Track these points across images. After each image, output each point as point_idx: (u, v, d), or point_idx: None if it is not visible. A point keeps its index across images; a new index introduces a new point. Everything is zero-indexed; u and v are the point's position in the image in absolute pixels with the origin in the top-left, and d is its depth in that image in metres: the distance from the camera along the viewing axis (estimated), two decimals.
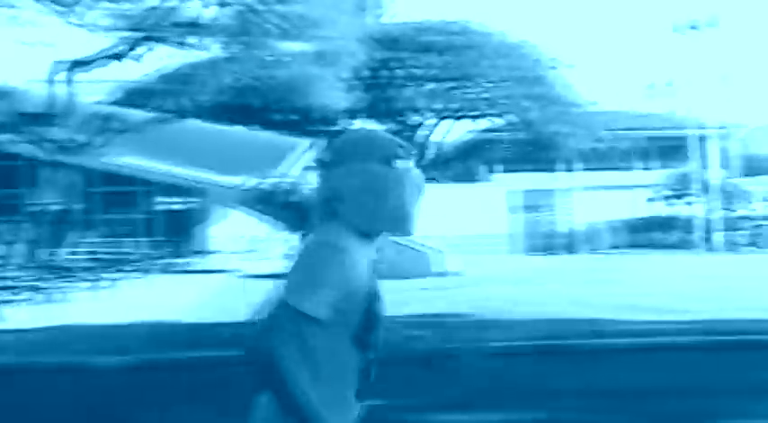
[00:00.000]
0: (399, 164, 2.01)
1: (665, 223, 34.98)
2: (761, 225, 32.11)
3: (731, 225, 31.70)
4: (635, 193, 40.35)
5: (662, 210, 36.31)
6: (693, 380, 7.39)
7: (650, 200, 36.99)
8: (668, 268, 20.89)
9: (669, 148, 40.09)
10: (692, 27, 31.76)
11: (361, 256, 1.96)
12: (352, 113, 27.58)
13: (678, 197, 34.00)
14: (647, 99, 49.07)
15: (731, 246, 29.88)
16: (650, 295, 13.25)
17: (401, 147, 2.04)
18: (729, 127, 41.94)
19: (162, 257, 21.11)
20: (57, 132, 16.41)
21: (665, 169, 36.19)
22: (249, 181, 20.50)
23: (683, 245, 30.93)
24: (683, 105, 37.78)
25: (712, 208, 31.18)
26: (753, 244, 30.18)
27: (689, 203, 32.97)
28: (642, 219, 37.48)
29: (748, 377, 7.37)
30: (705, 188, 31.64)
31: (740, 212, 34.23)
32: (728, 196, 33.26)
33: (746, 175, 43.44)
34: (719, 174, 37.16)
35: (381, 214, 1.98)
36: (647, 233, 34.18)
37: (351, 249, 1.92)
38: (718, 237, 30.23)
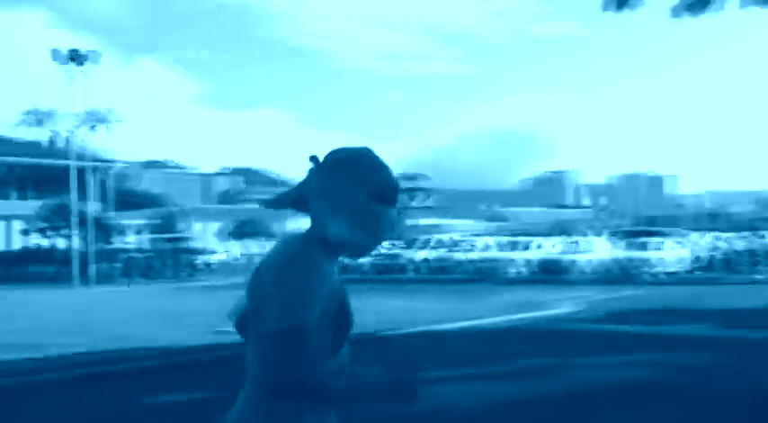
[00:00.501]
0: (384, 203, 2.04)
1: (41, 255, 33.91)
2: (133, 257, 33.65)
3: (106, 257, 32.42)
4: (9, 224, 38.10)
5: (38, 241, 35.14)
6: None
7: (25, 232, 35.45)
8: (41, 302, 20.22)
9: (46, 178, 39.20)
10: (74, 59, 31.73)
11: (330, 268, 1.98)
12: None
13: (54, 229, 33.36)
14: (25, 126, 47.14)
15: (106, 277, 30.47)
16: (18, 332, 12.52)
17: (393, 189, 2.05)
18: (106, 161, 43.16)
19: None
20: None
21: (41, 200, 35.17)
22: None
23: (59, 277, 30.36)
24: (63, 136, 37.43)
25: (88, 240, 31.38)
26: (126, 275, 31.33)
27: (65, 236, 32.59)
28: (17, 251, 35.64)
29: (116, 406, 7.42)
30: (82, 220, 31.72)
31: (115, 245, 35.36)
32: (104, 229, 34.04)
33: (121, 210, 45.14)
34: (96, 206, 37.82)
35: (349, 238, 2.02)
36: (21, 266, 32.57)
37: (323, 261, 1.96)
38: (94, 269, 30.52)
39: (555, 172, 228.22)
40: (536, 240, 30.87)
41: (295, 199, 2.10)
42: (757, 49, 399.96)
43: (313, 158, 2.09)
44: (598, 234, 36.60)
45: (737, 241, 29.75)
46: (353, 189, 2.02)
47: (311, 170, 2.09)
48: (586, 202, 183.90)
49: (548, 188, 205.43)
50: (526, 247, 29.28)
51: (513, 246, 29.79)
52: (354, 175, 2.04)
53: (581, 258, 27.10)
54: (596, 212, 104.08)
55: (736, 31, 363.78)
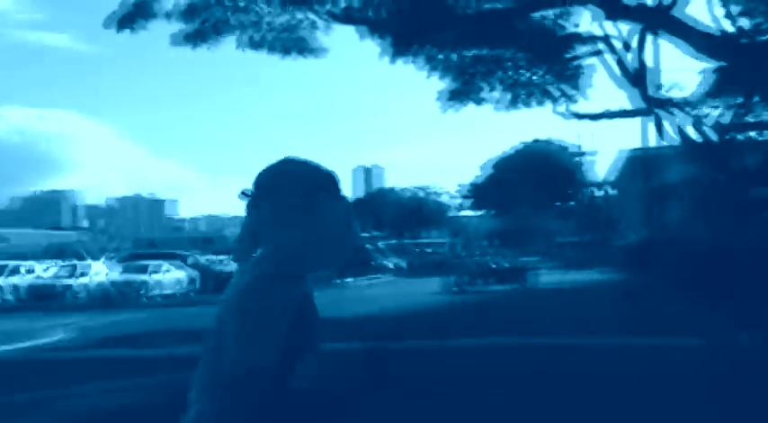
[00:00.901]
0: (325, 196, 1.86)
1: None
2: None
3: None
4: None
5: None
6: None
7: None
8: None
9: None
10: None
11: (292, 293, 1.80)
12: None
13: None
14: None
15: None
16: None
17: (329, 177, 1.87)
18: None
19: None
20: None
21: None
22: None
23: None
24: None
25: None
26: None
27: None
28: None
29: None
30: None
31: None
32: None
33: None
34: None
35: (309, 250, 1.85)
36: None
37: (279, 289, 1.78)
38: None
39: (51, 191, 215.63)
40: (26, 264, 28.65)
41: (253, 239, 1.89)
42: (259, 83, 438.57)
43: (245, 193, 1.91)
44: (96, 257, 35.62)
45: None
46: (289, 199, 1.87)
47: (250, 204, 1.91)
48: (85, 223, 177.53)
49: (42, 208, 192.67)
50: (14, 272, 26.91)
51: None
52: (282, 186, 1.87)
53: (77, 282, 25.97)
54: (95, 234, 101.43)
55: (239, 67, 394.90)
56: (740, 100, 20.07)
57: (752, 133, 21.13)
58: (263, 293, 1.92)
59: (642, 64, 21.42)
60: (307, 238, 1.99)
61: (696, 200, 24.76)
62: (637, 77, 21.13)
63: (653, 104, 21.56)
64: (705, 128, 20.94)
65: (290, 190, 2.01)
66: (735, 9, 17.44)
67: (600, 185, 57.15)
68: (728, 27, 17.19)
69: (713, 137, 20.72)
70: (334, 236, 2.02)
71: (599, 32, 21.24)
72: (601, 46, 21.52)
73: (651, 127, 22.62)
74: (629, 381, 7.80)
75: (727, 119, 20.86)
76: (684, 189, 25.35)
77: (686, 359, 9.19)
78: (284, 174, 2.08)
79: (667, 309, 15.37)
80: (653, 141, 23.57)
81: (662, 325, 12.70)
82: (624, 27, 20.67)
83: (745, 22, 17.62)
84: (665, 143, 22.12)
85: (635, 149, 36.32)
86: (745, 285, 12.93)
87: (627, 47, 21.28)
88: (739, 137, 21.18)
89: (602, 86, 24.43)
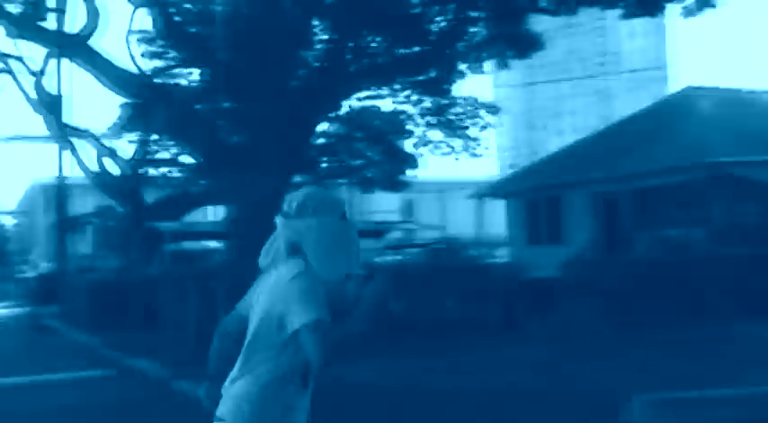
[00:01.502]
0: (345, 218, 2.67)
1: None
2: None
3: None
4: None
5: None
6: None
7: None
8: None
9: None
10: None
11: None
12: None
13: None
14: None
15: None
16: None
17: (343, 202, 2.71)
18: None
19: None
20: None
21: None
22: None
23: None
24: None
25: None
26: None
27: None
28: None
29: None
30: None
31: None
32: None
33: None
34: None
35: (340, 260, 2.63)
36: None
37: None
38: None
39: None
40: None
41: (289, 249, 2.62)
42: None
43: (283, 212, 2.66)
44: None
45: None
46: (329, 219, 2.64)
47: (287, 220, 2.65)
48: None
49: None
50: None
51: None
52: (321, 209, 2.63)
53: None
54: None
55: None
56: (151, 136, 21.13)
57: (161, 169, 22.40)
58: (310, 274, 2.54)
59: (58, 90, 20.90)
60: (334, 252, 2.61)
61: (107, 231, 25.01)
62: (52, 103, 20.52)
63: (68, 132, 21.18)
64: (119, 160, 21.44)
65: (324, 211, 2.63)
66: (149, 50, 18.36)
67: (12, 214, 53.44)
68: (144, 65, 17.98)
69: (126, 169, 21.33)
70: (351, 251, 2.67)
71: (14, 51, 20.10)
72: (14, 64, 20.36)
73: (68, 155, 22.13)
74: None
75: (140, 153, 21.72)
76: (96, 219, 25.43)
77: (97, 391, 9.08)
78: (318, 198, 2.69)
79: (74, 341, 15.08)
80: (69, 171, 23.08)
81: (72, 358, 12.35)
82: (41, 51, 19.95)
83: (158, 63, 18.68)
84: (80, 173, 21.88)
85: (49, 178, 35.07)
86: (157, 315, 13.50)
87: (42, 71, 20.55)
88: (151, 170, 22.25)
89: (19, 108, 23.12)
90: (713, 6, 14.83)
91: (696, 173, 17.98)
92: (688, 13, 15.00)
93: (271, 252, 2.70)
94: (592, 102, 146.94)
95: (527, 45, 16.93)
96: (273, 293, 2.57)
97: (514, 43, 16.87)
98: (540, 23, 17.68)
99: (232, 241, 15.08)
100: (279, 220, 2.69)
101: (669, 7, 15.58)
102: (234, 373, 2.61)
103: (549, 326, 12.10)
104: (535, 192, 23.60)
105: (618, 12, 15.77)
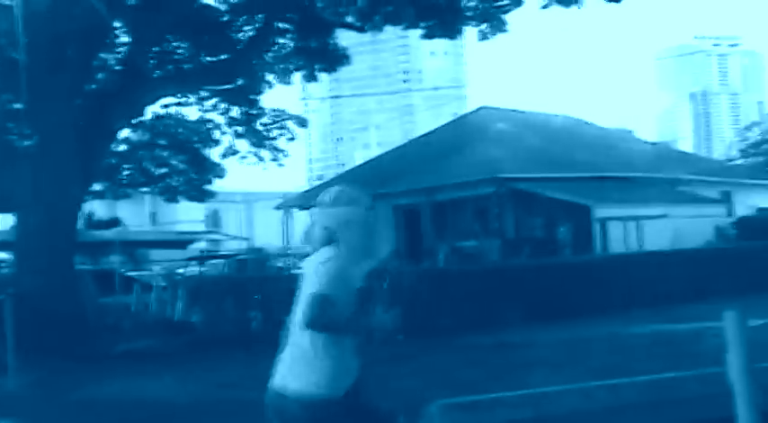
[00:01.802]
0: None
1: None
2: None
3: None
4: None
5: None
6: None
7: None
8: None
9: None
10: None
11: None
12: None
13: None
14: None
15: None
16: None
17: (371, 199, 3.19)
18: None
19: None
20: None
21: None
22: None
23: None
24: None
25: None
26: None
27: None
28: None
29: None
30: None
31: None
32: None
33: None
34: None
35: (367, 244, 3.13)
36: None
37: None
38: None
39: None
40: None
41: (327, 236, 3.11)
42: None
43: (319, 202, 3.13)
44: None
45: None
46: (358, 209, 3.15)
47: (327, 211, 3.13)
48: None
49: None
50: None
51: None
52: (353, 201, 3.16)
53: None
54: None
55: None
56: None
57: None
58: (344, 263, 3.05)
59: None
60: (362, 237, 3.06)
61: None
62: None
63: None
64: None
65: (354, 203, 3.11)
66: None
67: None
68: None
69: None
70: (377, 237, 3.12)
71: None
72: None
73: None
74: None
75: None
76: None
77: None
78: (349, 191, 3.16)
79: None
80: None
81: None
82: None
83: None
84: None
85: None
86: None
87: None
88: None
89: None
90: (505, 31, 15.92)
91: (488, 188, 19.17)
92: (483, 36, 15.99)
93: (310, 237, 3.21)
94: (395, 117, 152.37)
95: (334, 59, 17.23)
96: (313, 275, 3.04)
97: (322, 56, 17.11)
98: (347, 39, 18.08)
99: (22, 251, 13.96)
100: (315, 209, 3.19)
101: (467, 30, 16.52)
102: (285, 345, 3.18)
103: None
104: None
105: (420, 31, 16.47)
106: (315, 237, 3.15)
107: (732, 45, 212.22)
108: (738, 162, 46.43)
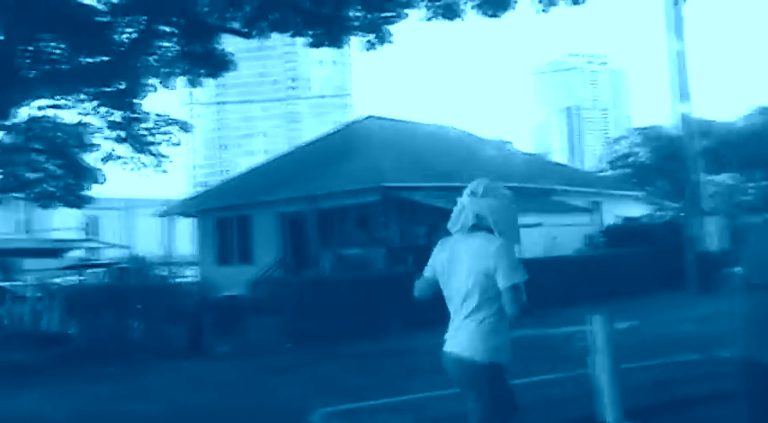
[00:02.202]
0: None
1: None
2: None
3: None
4: None
5: None
6: None
7: None
8: None
9: None
10: None
11: None
12: None
13: None
14: None
15: None
16: None
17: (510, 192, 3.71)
18: None
19: None
20: None
21: None
22: None
23: None
24: None
25: None
26: None
27: None
28: None
29: None
30: None
31: None
32: None
33: None
34: None
35: (514, 228, 3.62)
36: None
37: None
38: None
39: None
40: None
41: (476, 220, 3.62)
42: None
43: (471, 192, 3.69)
44: None
45: None
46: (504, 199, 3.69)
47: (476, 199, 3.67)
48: None
49: None
50: None
51: None
52: (499, 191, 3.71)
53: None
54: None
55: None
56: None
57: None
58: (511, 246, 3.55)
59: None
60: (509, 224, 3.58)
61: None
62: None
63: None
64: None
65: (500, 195, 3.64)
66: None
67: None
68: None
69: None
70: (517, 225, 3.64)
71: None
72: None
73: None
74: None
75: None
76: None
77: None
78: (494, 185, 3.69)
79: None
80: None
81: None
82: None
83: None
84: None
85: None
86: None
87: None
88: None
89: None
90: (391, 42, 16.23)
91: (373, 196, 19.43)
92: (369, 46, 16.23)
93: (459, 222, 3.65)
94: (281, 124, 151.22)
95: (219, 64, 17.02)
96: (483, 257, 3.46)
97: (206, 62, 16.86)
98: (233, 44, 17.90)
99: None
100: (467, 198, 3.65)
101: (353, 40, 16.72)
102: (459, 318, 3.53)
103: (237, 344, 12.22)
104: (225, 211, 23.67)
105: (307, 40, 16.53)
106: (464, 221, 3.63)
107: (602, 63, 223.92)
108: (607, 173, 48.96)
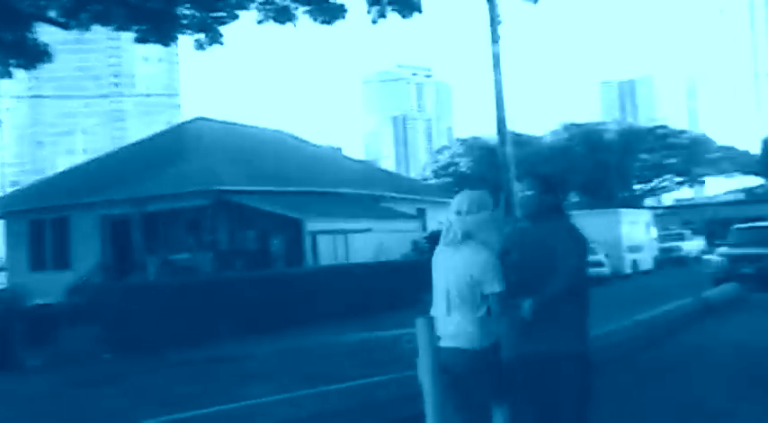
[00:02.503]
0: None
1: None
2: None
3: None
4: None
5: None
6: None
7: None
8: None
9: None
10: None
11: None
12: None
13: None
14: None
15: None
16: None
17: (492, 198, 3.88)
18: None
19: None
20: None
21: None
22: None
23: None
24: None
25: None
26: None
27: None
28: None
29: None
30: None
31: None
32: None
33: None
34: None
35: (498, 236, 3.84)
36: None
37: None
38: None
39: None
40: None
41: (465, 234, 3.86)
42: None
43: (457, 211, 3.87)
44: None
45: None
46: (491, 214, 3.87)
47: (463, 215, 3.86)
48: None
49: None
50: None
51: None
52: (484, 205, 3.86)
53: None
54: None
55: None
56: None
57: None
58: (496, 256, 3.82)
59: None
60: (496, 233, 3.83)
61: None
62: None
63: None
64: None
65: (485, 207, 3.84)
66: None
67: None
68: None
69: None
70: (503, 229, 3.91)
71: None
72: None
73: None
74: None
75: None
76: None
77: None
78: (478, 198, 3.86)
79: None
80: None
81: None
82: None
83: None
84: None
85: None
86: None
87: None
88: None
89: None
90: (221, 43, 15.87)
91: (202, 199, 18.92)
92: (199, 46, 15.78)
93: (449, 236, 3.84)
94: (104, 122, 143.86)
95: (33, 55, 15.88)
96: (473, 264, 3.74)
97: (18, 51, 15.68)
98: (50, 35, 16.75)
99: None
100: (453, 216, 3.83)
101: (182, 38, 16.19)
102: (444, 312, 3.88)
103: (51, 355, 11.44)
104: (40, 212, 22.13)
105: (132, 35, 15.81)
106: (453, 238, 3.84)
107: (427, 76, 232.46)
108: (431, 182, 50.84)
